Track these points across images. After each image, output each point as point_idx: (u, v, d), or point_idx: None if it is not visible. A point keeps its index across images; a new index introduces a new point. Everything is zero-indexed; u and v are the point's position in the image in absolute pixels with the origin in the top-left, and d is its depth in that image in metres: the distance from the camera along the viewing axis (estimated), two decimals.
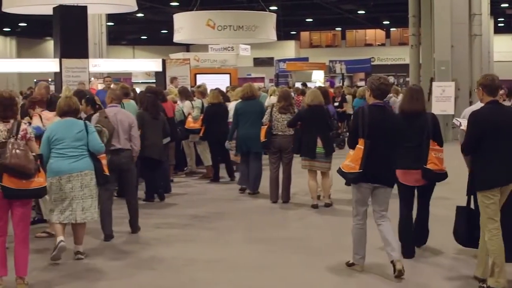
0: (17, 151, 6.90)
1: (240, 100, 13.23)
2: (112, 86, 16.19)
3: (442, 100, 21.59)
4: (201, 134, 14.43)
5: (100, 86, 20.32)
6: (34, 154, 7.11)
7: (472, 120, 7.05)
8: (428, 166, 7.85)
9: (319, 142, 11.23)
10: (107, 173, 8.53)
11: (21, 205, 7.13)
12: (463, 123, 7.51)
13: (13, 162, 6.84)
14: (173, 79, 19.45)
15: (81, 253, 8.35)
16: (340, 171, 7.54)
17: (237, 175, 14.08)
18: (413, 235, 8.27)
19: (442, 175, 8.06)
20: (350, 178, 7.43)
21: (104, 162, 8.55)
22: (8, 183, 6.88)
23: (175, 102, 15.07)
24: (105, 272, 7.91)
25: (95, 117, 9.51)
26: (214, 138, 14.13)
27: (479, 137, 6.91)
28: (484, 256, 7.10)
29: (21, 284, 7.07)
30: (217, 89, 15.71)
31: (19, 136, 7.05)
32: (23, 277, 7.09)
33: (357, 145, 7.34)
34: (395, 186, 7.78)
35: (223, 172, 14.55)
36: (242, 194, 12.92)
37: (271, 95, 19.44)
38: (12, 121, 7.13)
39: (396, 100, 16.01)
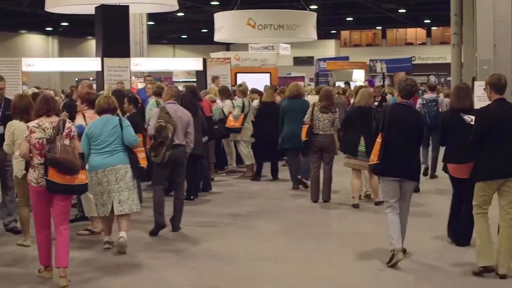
0: (66, 146, 7.14)
1: (286, 99, 13.41)
2: (148, 85, 16.26)
3: (484, 99, 21.22)
4: (251, 132, 14.57)
5: (140, 85, 20.45)
6: (77, 152, 7.32)
7: (478, 116, 7.53)
8: None
9: (362, 141, 11.20)
10: (142, 165, 8.69)
11: (62, 199, 7.31)
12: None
13: (62, 157, 7.07)
14: (215, 79, 19.48)
15: (124, 238, 8.46)
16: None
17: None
18: (462, 231, 8.57)
19: None
20: (371, 169, 8.26)
21: (141, 155, 8.71)
22: (53, 177, 7.09)
23: (214, 101, 15.11)
24: (146, 269, 7.96)
25: (156, 112, 9.57)
26: (264, 136, 14.18)
27: (484, 132, 7.31)
28: (500, 247, 7.38)
29: (63, 278, 7.15)
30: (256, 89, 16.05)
31: (64, 134, 7.24)
32: (64, 268, 7.18)
33: (377, 139, 7.86)
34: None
35: (265, 171, 14.59)
36: (292, 189, 13.13)
37: (308, 94, 19.45)
38: (57, 118, 7.34)
39: (443, 100, 15.86)
